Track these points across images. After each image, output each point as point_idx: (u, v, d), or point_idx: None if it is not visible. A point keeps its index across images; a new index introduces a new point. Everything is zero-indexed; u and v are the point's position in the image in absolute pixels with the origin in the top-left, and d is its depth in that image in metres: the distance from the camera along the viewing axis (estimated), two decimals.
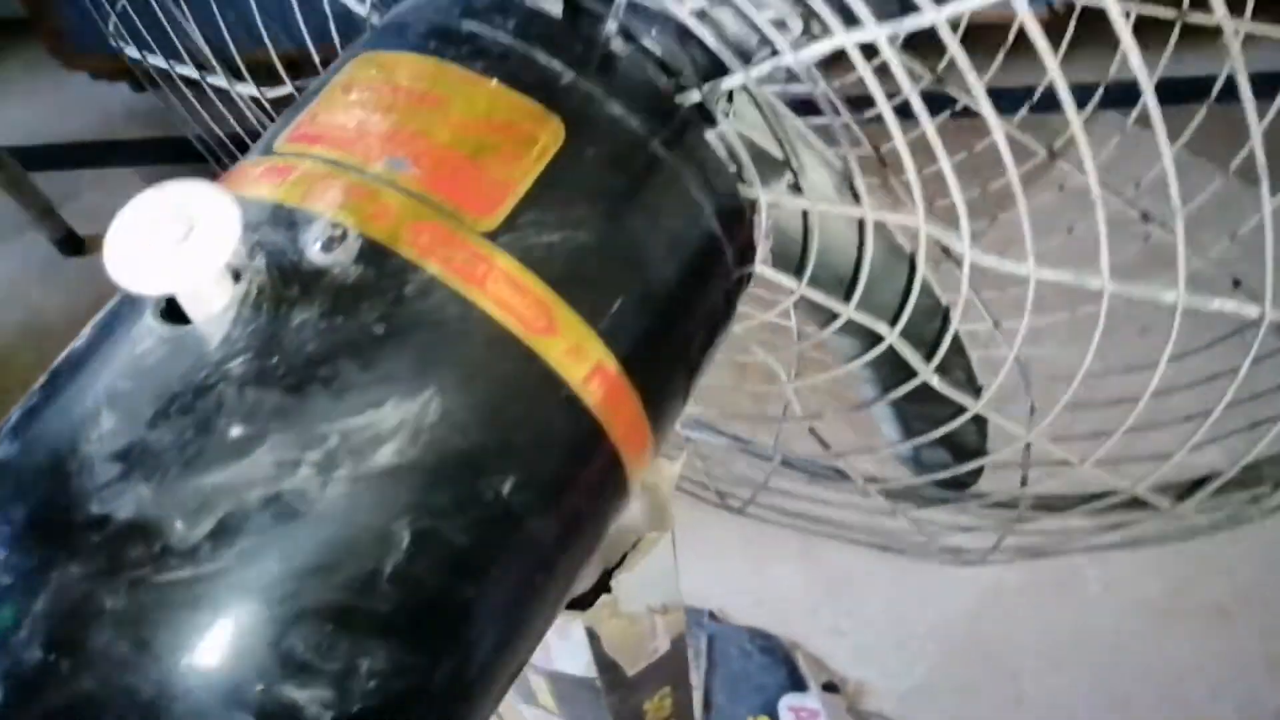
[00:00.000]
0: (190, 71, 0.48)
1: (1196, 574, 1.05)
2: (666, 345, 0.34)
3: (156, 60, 0.49)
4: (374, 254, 0.29)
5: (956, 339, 0.41)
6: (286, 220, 0.30)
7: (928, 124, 0.31)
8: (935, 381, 0.39)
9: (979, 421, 0.47)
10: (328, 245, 0.29)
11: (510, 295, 0.30)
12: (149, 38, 0.49)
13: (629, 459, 0.33)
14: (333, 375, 0.28)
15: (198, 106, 0.53)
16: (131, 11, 0.48)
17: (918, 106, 0.31)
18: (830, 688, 1.04)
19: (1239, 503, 0.44)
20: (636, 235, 0.33)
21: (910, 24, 0.29)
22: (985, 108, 0.30)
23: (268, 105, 0.47)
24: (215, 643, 0.25)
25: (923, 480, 0.48)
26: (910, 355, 0.39)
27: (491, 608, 0.29)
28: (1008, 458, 0.46)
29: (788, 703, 1.02)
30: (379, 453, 0.28)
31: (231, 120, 0.51)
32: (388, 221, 0.29)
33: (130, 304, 0.30)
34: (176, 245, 0.26)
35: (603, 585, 0.55)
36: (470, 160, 0.31)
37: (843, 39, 0.30)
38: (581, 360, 0.31)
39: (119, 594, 0.25)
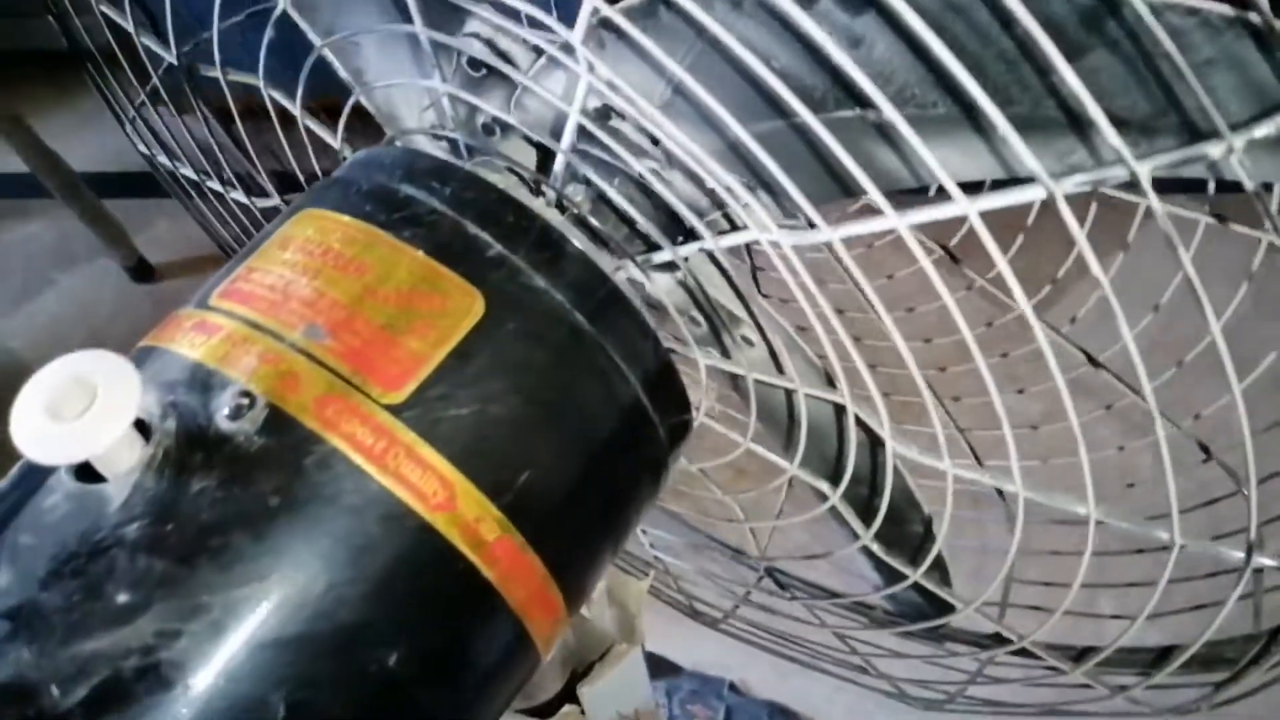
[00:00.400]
0: (191, 174, 0.49)
1: None
2: (581, 514, 0.34)
3: (164, 160, 0.51)
4: (279, 424, 0.30)
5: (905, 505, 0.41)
6: (203, 382, 0.31)
7: (949, 301, 0.30)
8: (875, 547, 0.39)
9: (940, 569, 0.47)
10: (235, 413, 0.30)
11: (410, 470, 0.30)
12: (160, 140, 0.51)
13: (535, 625, 0.33)
14: (223, 546, 0.29)
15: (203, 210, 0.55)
16: (143, 118, 0.50)
17: (938, 283, 0.30)
18: None
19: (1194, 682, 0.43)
20: (552, 408, 0.33)
21: (846, 232, 0.29)
22: (1031, 318, 0.29)
23: (258, 214, 0.48)
24: None
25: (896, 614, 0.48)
26: (851, 519, 0.39)
27: None
28: (960, 622, 0.45)
29: None
30: (261, 625, 0.28)
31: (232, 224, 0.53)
32: (296, 392, 0.30)
33: None
34: (78, 417, 0.27)
35: (568, 694, 0.55)
36: (385, 331, 0.31)
37: (755, 234, 0.30)
38: (481, 535, 0.31)
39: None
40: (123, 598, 0.28)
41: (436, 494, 0.31)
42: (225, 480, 0.29)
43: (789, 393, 0.37)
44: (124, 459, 0.29)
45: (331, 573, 0.29)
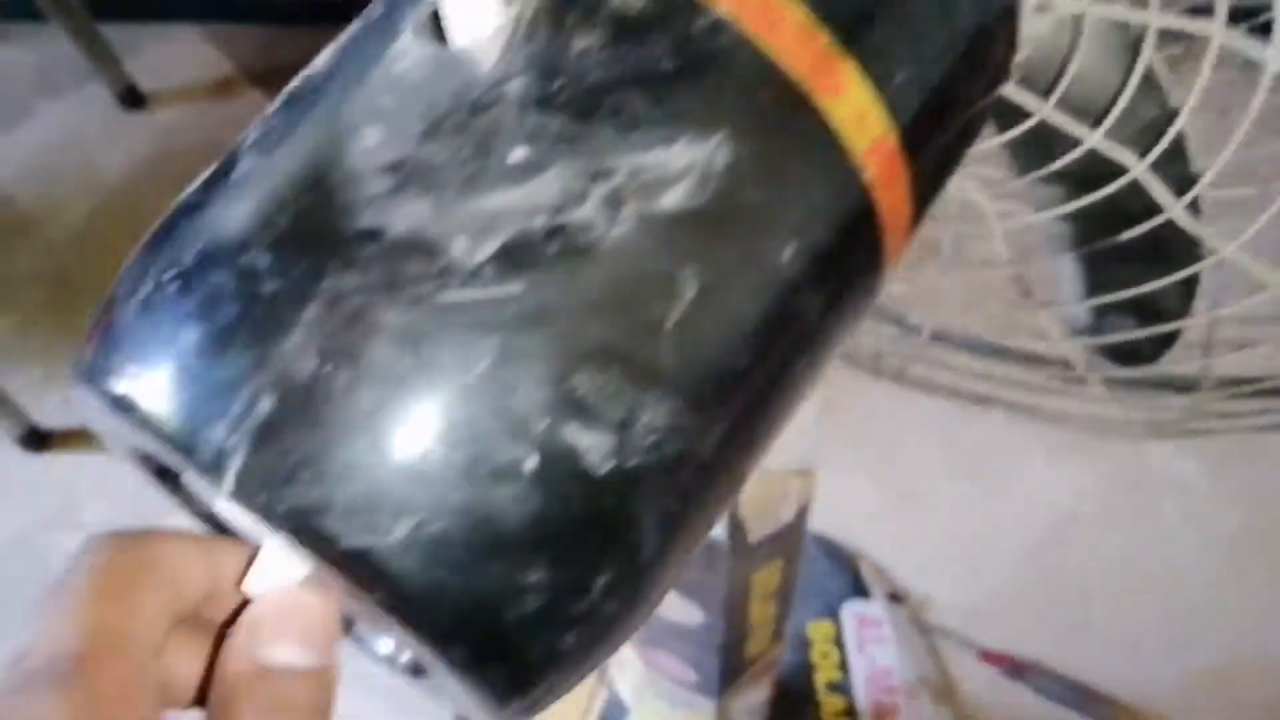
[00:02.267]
0: None
1: (1274, 514, 1.03)
2: (940, 130, 0.31)
3: None
4: None
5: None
6: None
7: None
8: (1183, 219, 0.36)
9: (1189, 285, 0.44)
10: None
11: (800, 47, 0.27)
12: None
13: (890, 246, 0.30)
14: (620, 106, 0.25)
15: None
16: None
17: None
18: (894, 598, 1.02)
19: None
20: (930, 6, 0.30)
21: None
22: None
23: None
24: (501, 370, 0.23)
25: (1106, 342, 0.46)
26: (1158, 189, 0.36)
27: (761, 380, 0.27)
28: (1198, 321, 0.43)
29: (851, 609, 1.01)
30: (667, 194, 0.25)
31: None
32: None
33: (380, 24, 0.28)
34: None
35: None
36: None
37: None
38: (864, 131, 0.28)
39: (399, 309, 0.23)
40: (518, 154, 0.25)
41: (826, 76, 0.27)
42: (609, 40, 0.26)
43: None
44: (486, 19, 0.26)
45: (734, 145, 0.26)
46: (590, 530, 0.24)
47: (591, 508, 0.24)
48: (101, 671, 0.23)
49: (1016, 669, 0.98)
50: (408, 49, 0.26)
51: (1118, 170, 0.39)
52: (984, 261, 0.44)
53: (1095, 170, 0.40)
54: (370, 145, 0.25)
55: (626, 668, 0.92)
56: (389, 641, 0.32)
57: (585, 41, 0.26)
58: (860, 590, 1.02)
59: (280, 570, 0.27)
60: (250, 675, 0.25)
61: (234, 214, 0.25)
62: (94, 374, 0.25)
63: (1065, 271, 0.48)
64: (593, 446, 0.24)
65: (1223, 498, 1.04)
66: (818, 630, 1.00)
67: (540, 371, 0.23)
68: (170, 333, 0.24)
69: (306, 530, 0.23)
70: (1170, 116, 0.37)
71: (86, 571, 0.24)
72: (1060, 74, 0.36)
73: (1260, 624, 0.99)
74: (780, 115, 0.27)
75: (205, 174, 0.27)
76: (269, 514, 0.23)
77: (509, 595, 0.24)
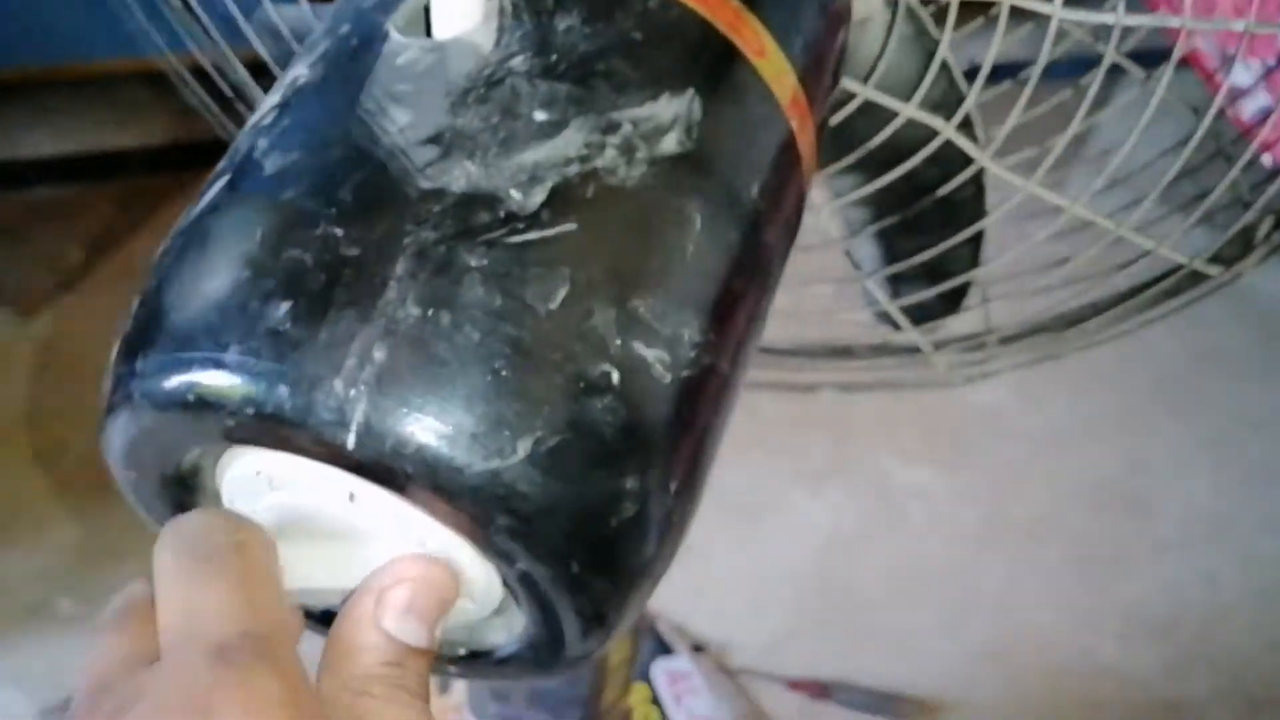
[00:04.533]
0: None
1: (1005, 501, 1.15)
2: (820, 85, 0.36)
3: None
4: None
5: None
6: None
7: None
8: (991, 164, 0.43)
9: (974, 244, 0.52)
10: None
11: (731, 18, 0.32)
12: None
13: (806, 186, 0.35)
14: (610, 71, 0.29)
15: None
16: None
17: None
18: (697, 648, 1.06)
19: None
20: None
21: None
22: None
23: None
24: (577, 298, 0.26)
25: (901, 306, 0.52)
26: (966, 143, 0.43)
27: (751, 301, 0.31)
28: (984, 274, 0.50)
29: (661, 667, 1.03)
30: (664, 141, 0.29)
31: None
32: None
33: (355, 32, 0.30)
34: None
35: None
36: None
37: None
38: (784, 86, 0.33)
39: (478, 254, 0.25)
40: (540, 115, 0.28)
41: (753, 41, 0.32)
42: (586, 18, 0.30)
43: None
44: (468, 11, 0.29)
45: (703, 100, 0.30)
46: (664, 434, 0.27)
47: (663, 414, 0.27)
48: (287, 652, 0.23)
49: (822, 690, 1.04)
50: (404, 44, 0.29)
51: (916, 146, 0.45)
52: (818, 245, 0.49)
53: (894, 151, 0.47)
54: (404, 124, 0.27)
55: None
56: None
57: (566, 21, 0.29)
58: (664, 648, 1.05)
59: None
60: (376, 645, 0.25)
61: (286, 198, 0.26)
62: (159, 378, 0.25)
63: (866, 253, 0.54)
64: (658, 359, 0.27)
65: (958, 497, 1.15)
66: (635, 694, 1.02)
67: (606, 295, 0.26)
68: (255, 313, 0.25)
69: (437, 464, 0.24)
70: (959, 92, 0.44)
71: (236, 553, 0.24)
72: (875, 63, 0.42)
73: (1013, 599, 1.10)
74: (728, 74, 0.31)
75: (219, 183, 0.28)
76: (397, 458, 0.24)
77: (612, 502, 0.26)
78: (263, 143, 0.28)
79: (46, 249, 1.23)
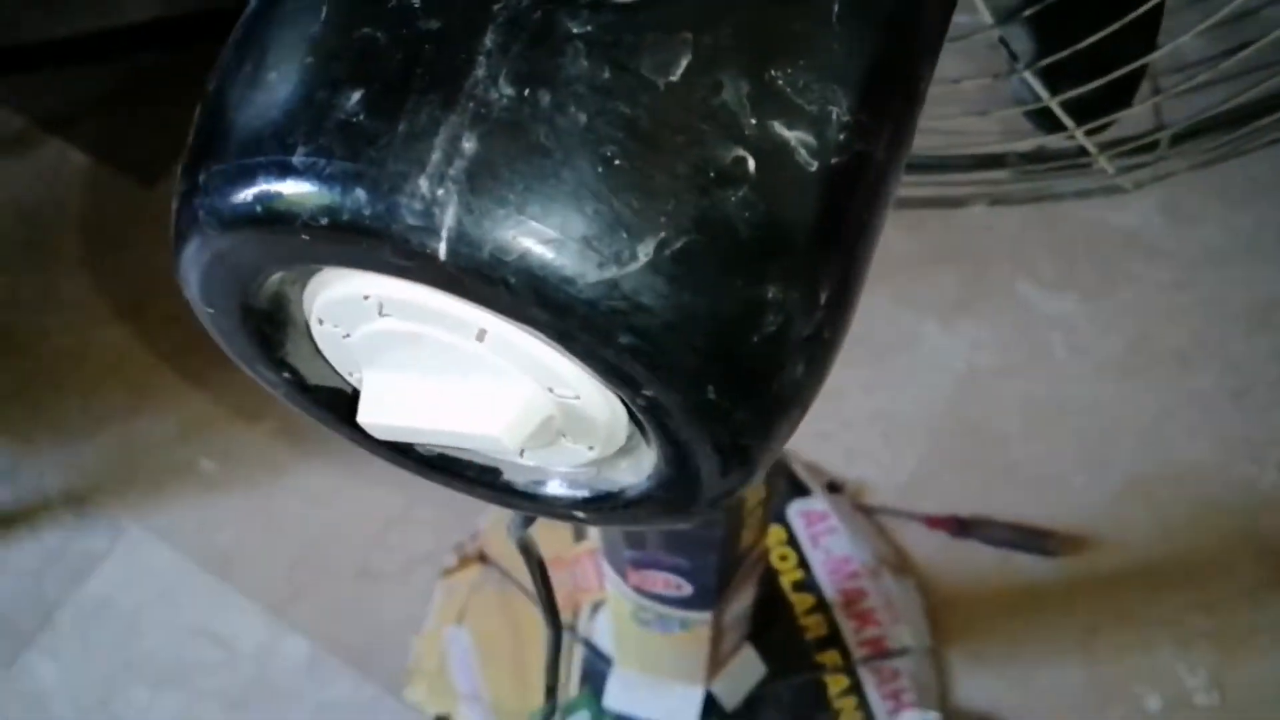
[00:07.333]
0: None
1: (1153, 328, 1.09)
2: None
3: None
4: None
5: None
6: None
7: None
8: None
9: (1147, 27, 0.46)
10: None
11: None
12: None
13: None
14: None
15: None
16: None
17: None
18: (833, 488, 1.03)
19: None
20: None
21: None
22: None
23: None
24: (701, 68, 0.22)
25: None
26: None
27: (907, 73, 0.27)
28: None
29: (796, 509, 1.02)
30: None
31: None
32: None
33: None
34: None
35: None
36: None
37: None
38: None
39: (582, 18, 0.22)
40: None
41: None
42: None
43: None
44: None
45: None
46: (812, 234, 0.23)
47: (811, 207, 0.23)
48: None
49: (962, 527, 1.01)
50: None
51: None
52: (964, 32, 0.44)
53: None
54: None
55: (606, 611, 0.91)
56: (555, 480, 0.30)
57: None
58: (799, 489, 1.03)
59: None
60: None
61: None
62: (224, 191, 0.22)
63: (1021, 45, 0.49)
64: (801, 143, 0.23)
65: (1103, 325, 1.09)
66: (770, 536, 1.00)
67: (738, 65, 0.22)
68: (323, 104, 0.22)
69: (545, 275, 0.21)
70: None
71: None
72: None
73: (1163, 431, 1.04)
74: None
75: None
76: (498, 267, 0.21)
77: (753, 314, 0.23)
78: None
79: (163, 116, 1.22)
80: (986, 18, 0.43)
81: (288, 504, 1.03)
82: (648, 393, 0.23)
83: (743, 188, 0.22)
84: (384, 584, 1.00)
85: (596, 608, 0.95)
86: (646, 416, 0.24)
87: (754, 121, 0.22)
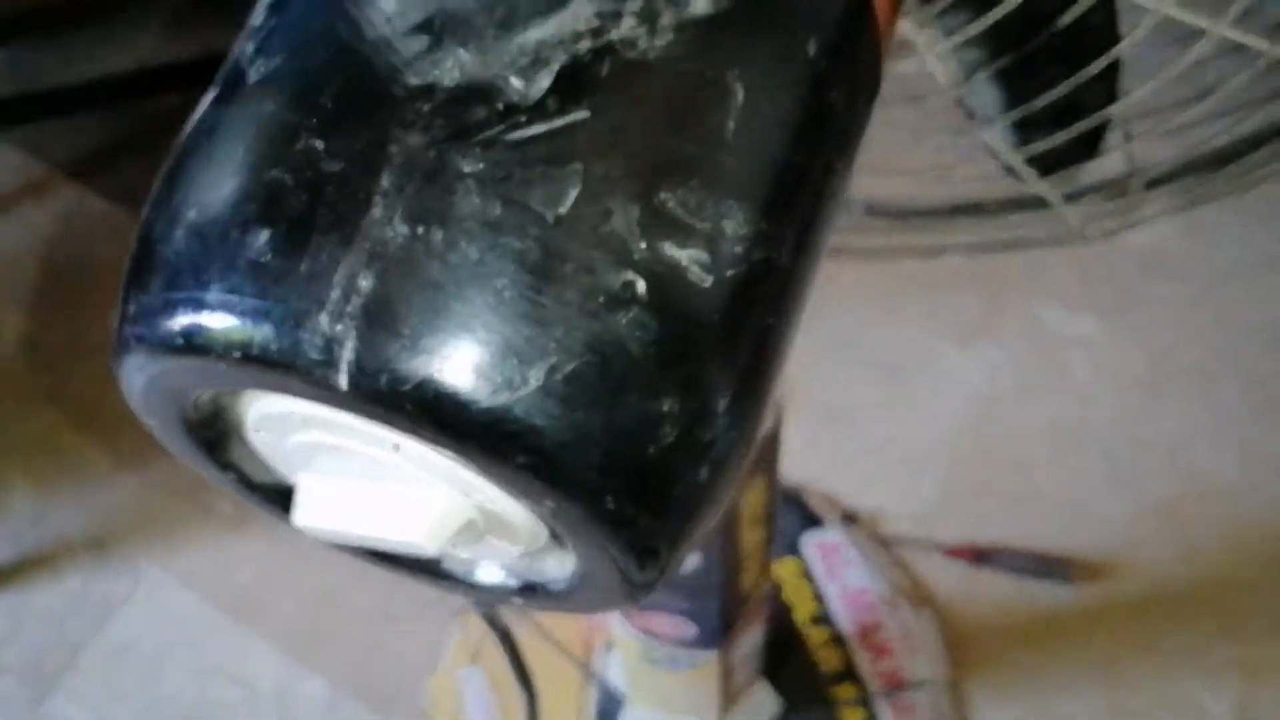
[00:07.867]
0: None
1: (1174, 346, 1.07)
2: None
3: None
4: None
5: None
6: None
7: None
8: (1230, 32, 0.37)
9: (1109, 77, 0.46)
10: None
11: None
12: None
13: (883, 39, 0.30)
14: None
15: None
16: None
17: None
18: (849, 519, 1.03)
19: None
20: None
21: None
22: None
23: None
24: (591, 197, 0.22)
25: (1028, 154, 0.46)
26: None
27: (814, 180, 0.27)
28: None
29: (811, 540, 1.01)
30: (694, 1, 0.24)
31: None
32: None
33: None
34: None
35: None
36: None
37: None
38: None
39: (475, 157, 0.22)
40: None
41: None
42: None
43: None
44: None
45: None
46: (707, 346, 0.24)
47: (704, 322, 0.23)
48: None
49: (981, 556, 1.00)
50: None
51: None
52: (920, 95, 0.44)
53: None
54: (391, 11, 0.24)
55: (616, 650, 0.91)
56: (491, 566, 0.30)
57: None
58: (813, 521, 1.02)
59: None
60: None
61: (267, 111, 0.23)
62: (150, 322, 0.23)
63: (985, 99, 0.48)
64: (694, 260, 0.23)
65: (1123, 343, 1.08)
66: (784, 569, 1.00)
67: (627, 191, 0.23)
68: (235, 243, 0.22)
69: (440, 401, 0.21)
70: None
71: None
72: None
73: (1189, 449, 1.03)
74: None
75: (209, 98, 0.25)
76: (395, 396, 0.21)
77: (648, 428, 0.23)
78: (249, 48, 0.25)
79: None
80: (942, 81, 0.43)
81: (306, 546, 1.03)
82: (549, 504, 0.23)
83: (633, 309, 0.22)
84: (404, 625, 1.00)
85: (610, 646, 0.95)
86: (554, 523, 0.24)
87: (644, 245, 0.22)
